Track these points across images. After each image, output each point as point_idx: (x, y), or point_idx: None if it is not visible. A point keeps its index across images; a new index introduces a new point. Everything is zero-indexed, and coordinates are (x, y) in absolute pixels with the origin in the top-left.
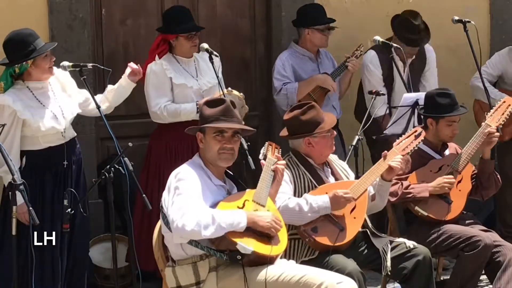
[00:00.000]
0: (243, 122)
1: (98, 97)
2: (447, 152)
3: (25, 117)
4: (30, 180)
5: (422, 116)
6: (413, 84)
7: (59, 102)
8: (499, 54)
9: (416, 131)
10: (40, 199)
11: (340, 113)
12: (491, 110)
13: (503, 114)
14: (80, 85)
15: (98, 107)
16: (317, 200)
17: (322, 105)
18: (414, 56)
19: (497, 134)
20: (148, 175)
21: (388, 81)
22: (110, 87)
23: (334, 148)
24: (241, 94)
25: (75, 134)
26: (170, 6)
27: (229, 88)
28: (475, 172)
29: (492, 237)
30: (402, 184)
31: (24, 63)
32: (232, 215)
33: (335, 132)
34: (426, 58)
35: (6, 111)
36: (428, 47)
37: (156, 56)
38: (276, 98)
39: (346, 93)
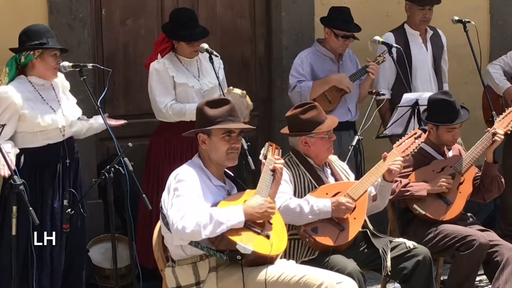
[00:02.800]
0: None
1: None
2: (450, 153)
3: (24, 111)
4: (29, 178)
5: (422, 120)
6: (436, 64)
7: (60, 101)
8: None
9: (416, 133)
10: (39, 198)
11: (355, 116)
12: (500, 116)
13: None
14: (80, 85)
15: (98, 107)
16: (318, 203)
17: (336, 106)
18: (432, 32)
19: (502, 137)
20: (150, 173)
21: (406, 60)
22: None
23: (332, 151)
24: (243, 91)
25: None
26: (172, 6)
27: (230, 87)
28: (478, 174)
29: (488, 236)
30: (401, 182)
31: (31, 52)
32: (229, 211)
33: (334, 136)
34: (442, 42)
35: (4, 102)
36: (441, 32)
37: (159, 54)
38: (290, 95)
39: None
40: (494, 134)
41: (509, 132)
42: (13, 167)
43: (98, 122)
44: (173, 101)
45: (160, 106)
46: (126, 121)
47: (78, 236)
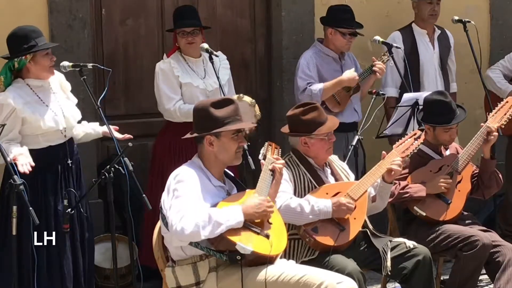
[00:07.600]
0: None
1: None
2: (447, 152)
3: (25, 115)
4: (32, 180)
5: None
6: (443, 62)
7: (60, 102)
8: None
9: (415, 133)
10: (42, 200)
11: (360, 116)
12: (493, 111)
13: (505, 114)
14: (80, 85)
15: (98, 107)
16: (319, 203)
17: (345, 107)
18: (439, 31)
19: (495, 134)
20: (154, 173)
21: (414, 59)
22: (83, 126)
23: (332, 152)
24: (252, 100)
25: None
26: (172, 6)
27: (241, 94)
28: (475, 172)
29: (490, 237)
30: (399, 184)
31: (23, 58)
32: (228, 211)
33: (334, 137)
34: (450, 43)
35: (5, 109)
36: (449, 33)
37: (165, 54)
38: (300, 97)
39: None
40: (488, 133)
41: (502, 127)
42: (33, 164)
43: (96, 130)
44: (181, 101)
45: (167, 106)
46: (131, 136)
47: (86, 239)
